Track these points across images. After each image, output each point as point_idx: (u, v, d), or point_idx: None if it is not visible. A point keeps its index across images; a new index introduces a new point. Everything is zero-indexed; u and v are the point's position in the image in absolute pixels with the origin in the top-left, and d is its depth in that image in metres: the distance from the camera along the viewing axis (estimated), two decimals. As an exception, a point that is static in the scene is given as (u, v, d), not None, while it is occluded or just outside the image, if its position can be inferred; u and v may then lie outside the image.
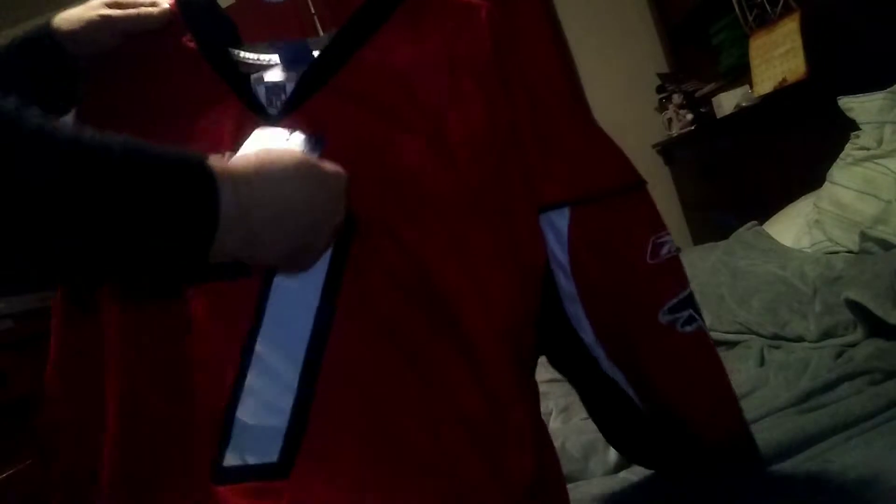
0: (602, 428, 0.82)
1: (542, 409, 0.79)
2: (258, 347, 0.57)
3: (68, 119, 0.68)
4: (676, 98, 2.56)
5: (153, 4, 0.67)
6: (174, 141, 0.62)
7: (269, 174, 0.48)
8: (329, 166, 0.53)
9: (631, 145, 0.72)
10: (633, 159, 0.71)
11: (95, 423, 0.61)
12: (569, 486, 0.71)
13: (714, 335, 1.21)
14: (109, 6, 0.65)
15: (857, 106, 1.47)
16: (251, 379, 0.57)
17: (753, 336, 1.22)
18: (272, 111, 0.63)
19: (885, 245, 1.24)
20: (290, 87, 0.64)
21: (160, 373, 0.60)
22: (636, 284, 0.67)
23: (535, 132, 0.65)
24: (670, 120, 2.61)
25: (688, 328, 0.68)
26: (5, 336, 1.56)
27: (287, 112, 0.63)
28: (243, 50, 0.68)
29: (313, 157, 0.60)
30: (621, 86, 2.75)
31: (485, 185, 0.62)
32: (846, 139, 1.51)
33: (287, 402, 0.56)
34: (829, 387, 0.89)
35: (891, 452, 0.68)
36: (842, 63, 1.69)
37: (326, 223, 0.53)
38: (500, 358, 0.60)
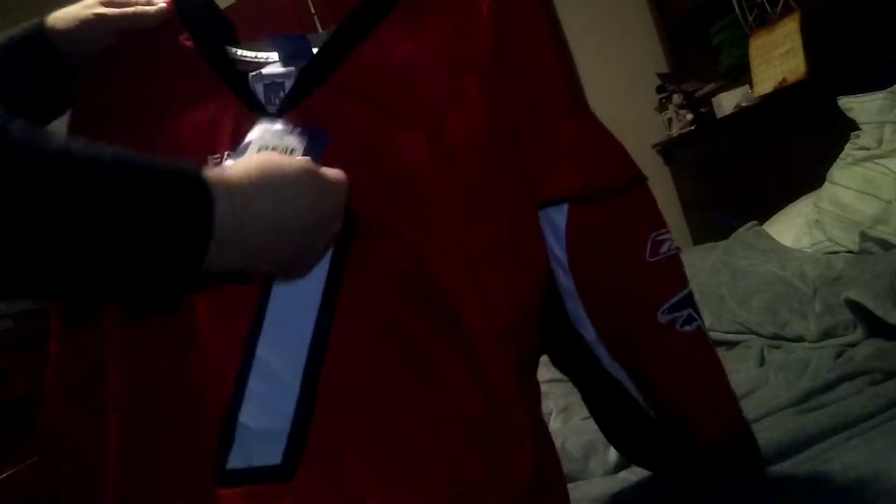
0: (603, 427, 0.82)
1: (542, 408, 0.79)
2: (259, 349, 0.57)
3: (65, 117, 0.67)
4: (676, 98, 2.56)
5: (149, 3, 0.67)
6: (172, 139, 0.63)
7: (271, 183, 0.47)
8: (332, 173, 0.52)
9: (631, 145, 0.72)
10: (633, 159, 0.71)
11: (96, 424, 0.61)
12: (569, 486, 0.71)
13: (714, 335, 1.22)
14: (105, 4, 0.65)
15: (857, 106, 1.47)
16: (252, 381, 0.57)
17: (753, 336, 1.22)
18: (271, 109, 0.63)
19: (885, 245, 1.24)
20: (288, 84, 0.64)
21: (161, 374, 0.59)
22: (635, 282, 0.67)
23: (535, 129, 0.65)
24: (670, 120, 2.61)
25: (687, 328, 0.68)
26: (5, 336, 1.56)
27: (286, 109, 0.63)
28: (241, 48, 0.67)
29: (316, 161, 0.60)
30: (621, 86, 2.75)
31: (485, 183, 0.62)
32: (846, 139, 1.51)
33: (289, 404, 0.56)
34: (829, 387, 0.89)
35: (891, 452, 0.68)
36: (842, 63, 1.69)
37: (325, 232, 0.53)
38: (500, 358, 0.60)
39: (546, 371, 0.70)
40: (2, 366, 1.49)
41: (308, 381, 0.56)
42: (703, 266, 1.58)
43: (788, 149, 1.91)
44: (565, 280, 0.67)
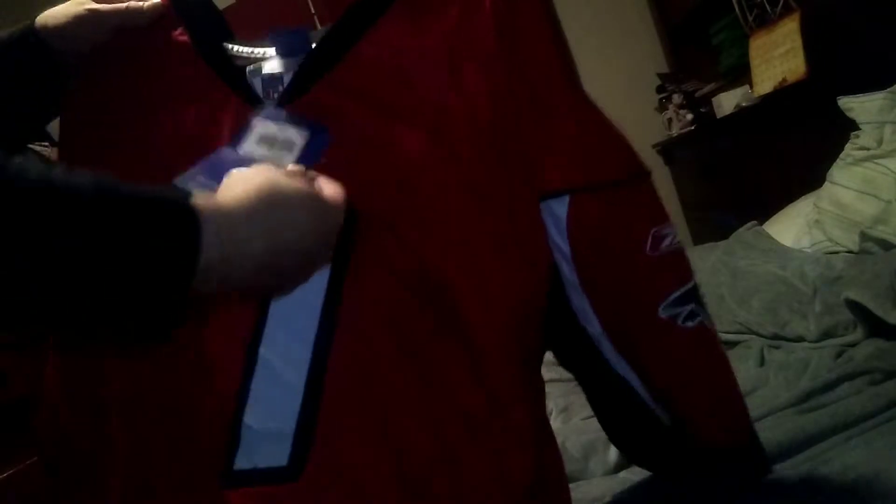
0: (605, 425, 0.81)
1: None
2: (262, 350, 0.57)
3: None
4: (676, 98, 2.56)
5: None
6: (168, 137, 0.62)
7: (269, 211, 0.46)
8: (331, 194, 0.51)
9: (631, 145, 0.72)
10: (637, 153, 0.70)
11: (96, 425, 0.61)
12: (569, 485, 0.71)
13: (714, 335, 1.21)
14: (98, 1, 0.64)
15: (857, 106, 1.47)
16: (256, 382, 0.56)
17: (753, 336, 1.22)
18: (269, 104, 0.63)
19: (885, 245, 1.24)
20: (287, 79, 0.63)
21: (164, 374, 0.59)
22: (635, 276, 0.66)
23: (537, 124, 0.64)
24: (670, 120, 2.61)
25: (689, 323, 0.67)
26: (5, 336, 1.56)
27: (285, 104, 0.62)
28: (237, 44, 0.67)
29: (316, 158, 0.60)
30: (621, 86, 2.75)
31: (487, 179, 0.62)
32: (846, 139, 1.51)
33: (294, 405, 0.56)
34: (829, 387, 0.89)
35: (891, 452, 0.68)
36: (842, 63, 1.69)
37: (321, 254, 0.52)
38: (502, 355, 0.59)
39: (546, 371, 0.69)
40: (2, 366, 1.49)
41: (312, 382, 0.56)
42: (703, 266, 1.58)
43: (788, 149, 1.91)
44: (569, 272, 0.66)
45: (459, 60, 0.63)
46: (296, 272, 0.51)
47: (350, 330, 0.57)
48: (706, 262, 1.60)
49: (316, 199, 0.50)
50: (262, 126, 0.61)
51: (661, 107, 2.69)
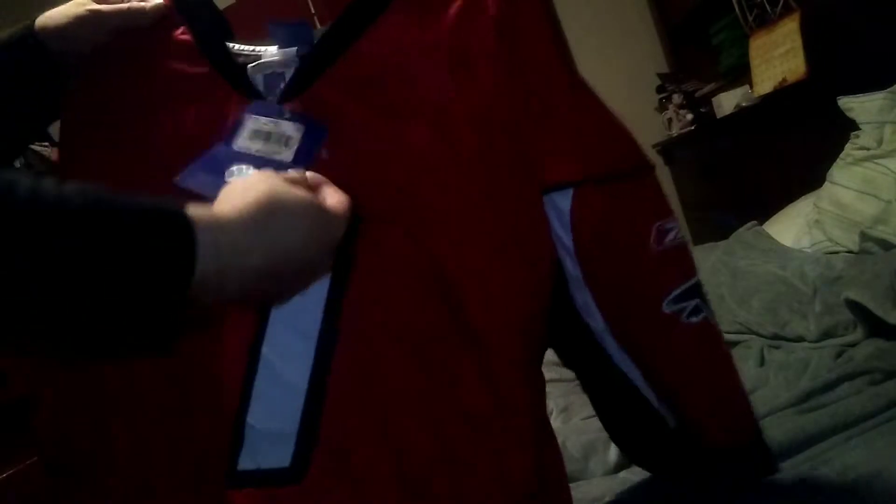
0: (607, 424, 0.80)
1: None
2: (264, 349, 0.57)
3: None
4: (676, 98, 2.56)
5: None
6: (170, 136, 0.62)
7: (269, 222, 0.45)
8: (334, 203, 0.51)
9: (631, 145, 0.72)
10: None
11: (96, 426, 0.61)
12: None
13: (714, 335, 1.21)
14: (99, 1, 0.63)
15: (857, 106, 1.47)
16: (259, 383, 0.56)
17: (753, 336, 1.22)
18: (272, 100, 0.62)
19: (885, 245, 1.24)
20: (289, 75, 0.63)
21: (164, 375, 0.59)
22: (638, 270, 0.66)
23: (540, 118, 0.64)
24: (670, 120, 2.61)
25: (693, 319, 0.66)
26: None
27: (286, 98, 0.62)
28: (238, 43, 0.67)
29: (312, 154, 0.59)
30: (621, 86, 2.75)
31: (490, 176, 0.61)
32: (846, 139, 1.51)
33: (296, 405, 0.55)
34: (829, 387, 0.89)
35: (891, 452, 0.68)
36: (842, 63, 1.70)
37: (319, 266, 0.52)
38: (507, 354, 0.59)
39: (546, 371, 0.69)
40: (2, 366, 1.49)
41: (315, 383, 0.55)
42: (703, 266, 1.58)
43: (788, 149, 1.91)
44: (572, 267, 0.65)
45: (461, 57, 0.63)
46: (295, 282, 0.51)
47: (353, 329, 0.57)
48: (706, 262, 1.60)
49: (318, 208, 0.49)
50: (252, 122, 0.60)
51: (661, 107, 2.69)
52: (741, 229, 1.74)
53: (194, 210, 0.41)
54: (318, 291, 0.57)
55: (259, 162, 0.59)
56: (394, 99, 0.62)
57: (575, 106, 0.66)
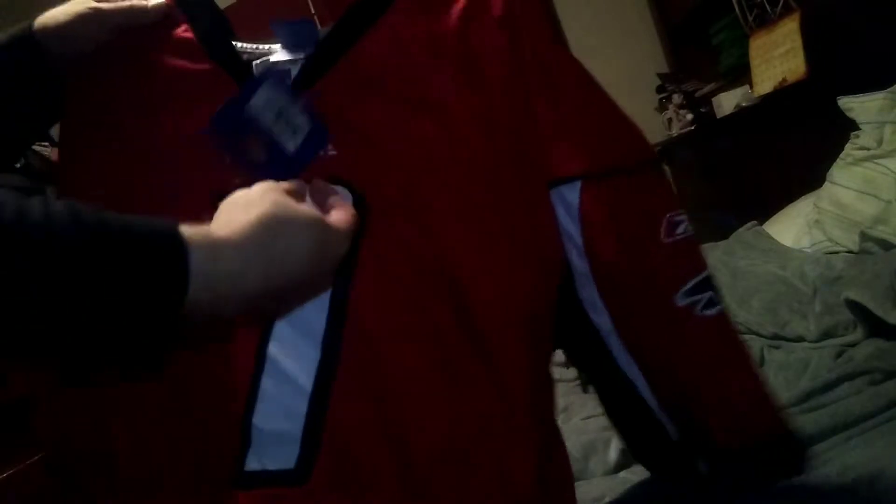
0: (613, 422, 0.78)
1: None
2: (270, 348, 0.56)
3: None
4: (676, 98, 2.56)
5: None
6: (173, 137, 0.62)
7: (270, 239, 0.44)
8: (340, 221, 0.50)
9: (631, 145, 0.72)
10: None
11: (96, 426, 0.61)
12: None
13: (714, 335, 1.21)
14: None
15: (857, 106, 1.47)
16: (265, 383, 0.56)
17: (753, 336, 1.22)
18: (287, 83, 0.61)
19: (885, 245, 1.24)
20: (294, 72, 0.63)
21: (171, 374, 0.58)
22: (650, 263, 0.65)
23: (547, 113, 0.64)
24: (670, 120, 2.61)
25: (708, 311, 0.65)
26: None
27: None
28: (241, 41, 0.66)
29: (311, 157, 0.59)
30: (621, 86, 2.73)
31: (498, 171, 0.61)
32: (846, 139, 1.51)
33: (302, 406, 0.55)
34: (829, 387, 0.89)
35: (891, 452, 0.68)
36: (842, 63, 1.69)
37: (319, 284, 0.51)
38: (512, 352, 0.59)
39: (546, 371, 0.69)
40: (2, 366, 1.48)
41: (321, 383, 0.55)
42: (703, 266, 1.58)
43: (788, 149, 1.91)
44: (579, 262, 0.65)
45: (466, 55, 0.62)
46: (294, 300, 0.50)
47: (358, 328, 0.57)
48: (706, 262, 1.60)
49: (322, 227, 0.47)
50: (270, 87, 0.59)
51: (661, 107, 2.69)
52: (741, 229, 1.74)
53: (190, 232, 0.40)
54: None
55: (266, 138, 0.58)
56: (398, 97, 0.61)
57: (582, 99, 0.66)
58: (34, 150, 0.76)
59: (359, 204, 0.57)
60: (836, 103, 1.51)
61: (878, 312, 0.96)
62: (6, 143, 0.65)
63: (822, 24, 1.75)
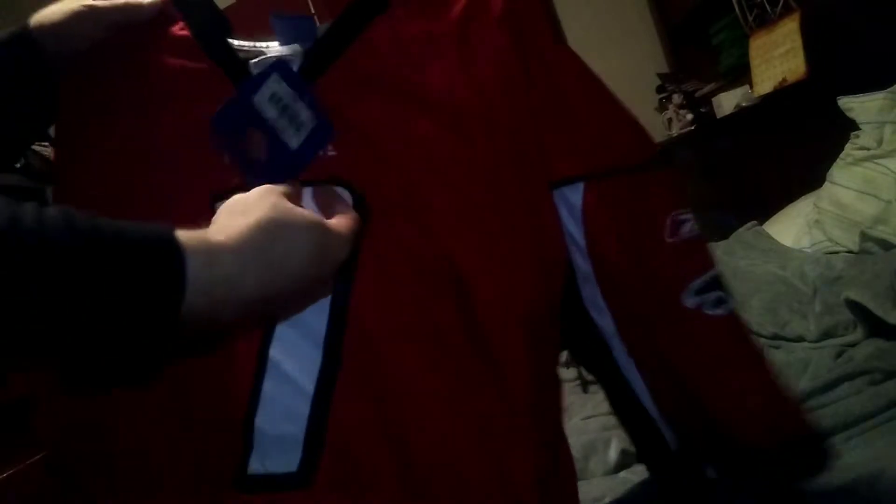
0: (622, 424, 0.77)
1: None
2: (272, 351, 0.56)
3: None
4: (676, 98, 2.56)
5: None
6: (171, 136, 0.61)
7: (269, 244, 0.43)
8: (341, 227, 0.49)
9: (631, 145, 0.71)
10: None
11: (97, 426, 0.60)
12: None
13: (714, 335, 1.21)
14: None
15: (857, 106, 1.47)
16: (267, 385, 0.55)
17: (753, 336, 1.22)
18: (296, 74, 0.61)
19: (885, 245, 1.24)
20: (294, 67, 0.62)
21: (166, 375, 0.58)
22: (655, 263, 0.64)
23: (549, 111, 0.63)
24: (670, 120, 2.61)
25: (717, 311, 0.64)
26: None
27: None
28: (238, 39, 0.66)
29: (313, 153, 0.59)
30: (621, 86, 2.73)
31: (500, 169, 0.61)
32: (846, 139, 1.51)
33: (304, 408, 0.55)
34: (829, 387, 0.89)
35: (891, 452, 0.68)
36: (842, 63, 1.69)
37: (319, 290, 0.50)
38: (515, 352, 0.58)
39: (546, 371, 0.69)
40: (2, 366, 1.48)
41: (323, 385, 0.55)
42: (703, 266, 1.58)
43: (788, 149, 1.91)
44: (582, 263, 0.64)
45: (468, 49, 0.62)
46: (293, 305, 0.50)
47: (359, 328, 0.56)
48: (706, 262, 1.60)
49: (322, 232, 0.47)
50: (275, 81, 0.58)
51: (661, 107, 2.68)
52: (741, 229, 1.74)
53: (186, 237, 0.40)
54: None
55: (269, 133, 0.58)
56: (398, 96, 0.61)
57: (584, 98, 0.66)
58: (34, 150, 0.76)
59: (359, 204, 0.57)
60: (836, 103, 1.51)
61: (878, 312, 0.96)
62: (6, 143, 0.65)
63: (822, 24, 1.75)
